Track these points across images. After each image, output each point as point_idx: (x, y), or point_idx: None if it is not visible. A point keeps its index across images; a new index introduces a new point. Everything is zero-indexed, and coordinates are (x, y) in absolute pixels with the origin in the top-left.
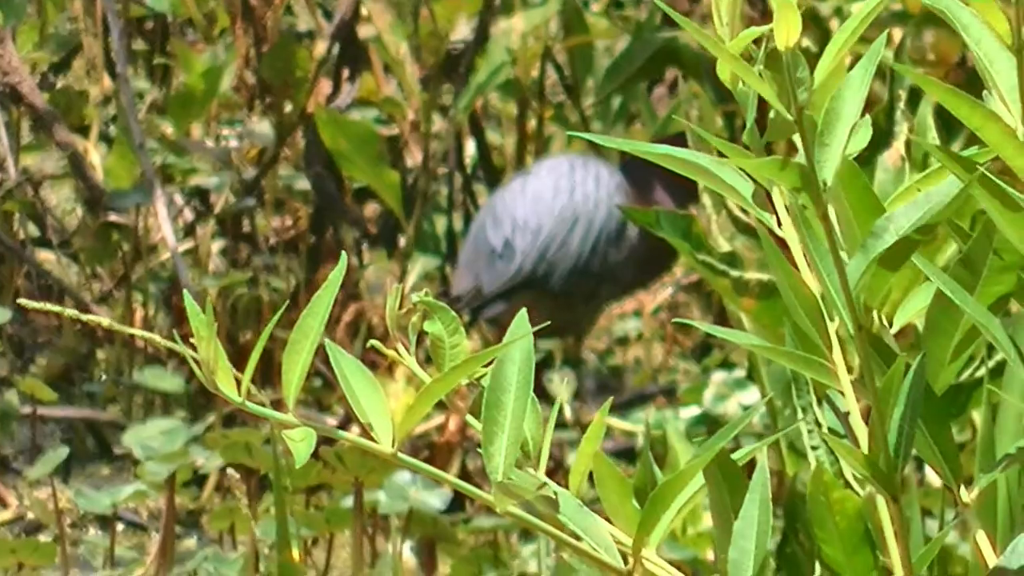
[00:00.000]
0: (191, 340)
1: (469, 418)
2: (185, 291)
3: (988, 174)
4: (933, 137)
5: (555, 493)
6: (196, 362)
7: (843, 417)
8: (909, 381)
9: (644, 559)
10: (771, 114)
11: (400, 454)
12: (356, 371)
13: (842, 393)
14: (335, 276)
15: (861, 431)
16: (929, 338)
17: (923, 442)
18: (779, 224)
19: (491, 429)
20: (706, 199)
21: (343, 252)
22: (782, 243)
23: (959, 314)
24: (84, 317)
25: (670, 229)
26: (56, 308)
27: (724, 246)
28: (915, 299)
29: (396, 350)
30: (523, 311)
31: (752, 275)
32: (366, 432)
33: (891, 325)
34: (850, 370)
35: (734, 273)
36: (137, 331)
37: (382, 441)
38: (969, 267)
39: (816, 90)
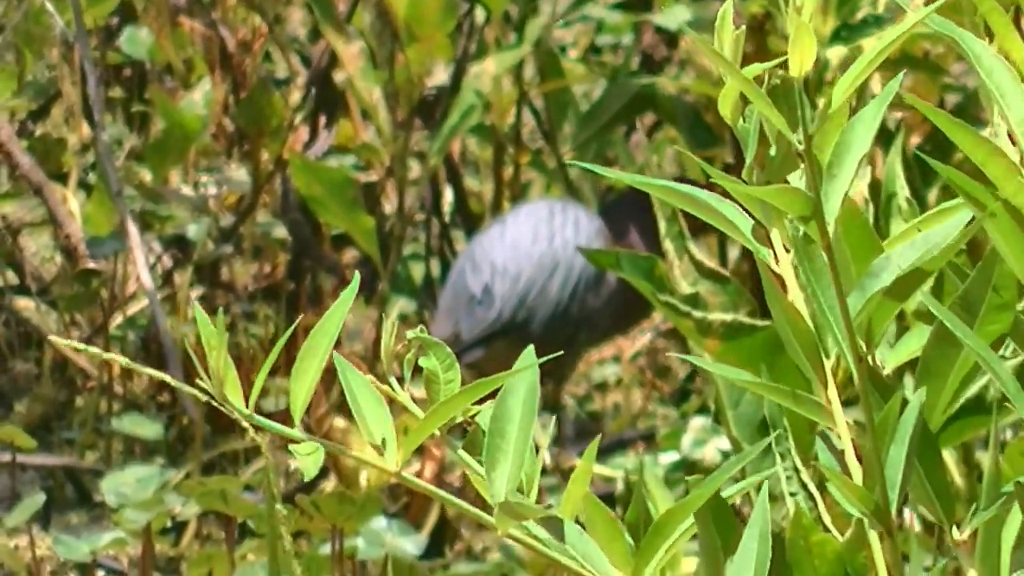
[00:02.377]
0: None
1: (462, 454)
2: (195, 303)
3: (1003, 209)
4: (902, 184)
5: (558, 518)
6: (200, 389)
7: (838, 454)
8: (907, 417)
9: None
10: (771, 151)
11: (403, 473)
12: (364, 389)
13: (834, 430)
14: (347, 294)
15: (855, 469)
16: (925, 377)
17: (917, 480)
18: (776, 260)
19: (494, 456)
20: (668, 245)
21: (326, 296)
22: (778, 280)
23: (956, 354)
24: (91, 350)
25: (632, 271)
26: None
27: (687, 290)
28: (910, 340)
29: (390, 385)
30: (530, 349)
31: (716, 316)
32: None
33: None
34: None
35: (697, 314)
36: (135, 365)
37: (388, 458)
38: (967, 306)
39: (826, 122)
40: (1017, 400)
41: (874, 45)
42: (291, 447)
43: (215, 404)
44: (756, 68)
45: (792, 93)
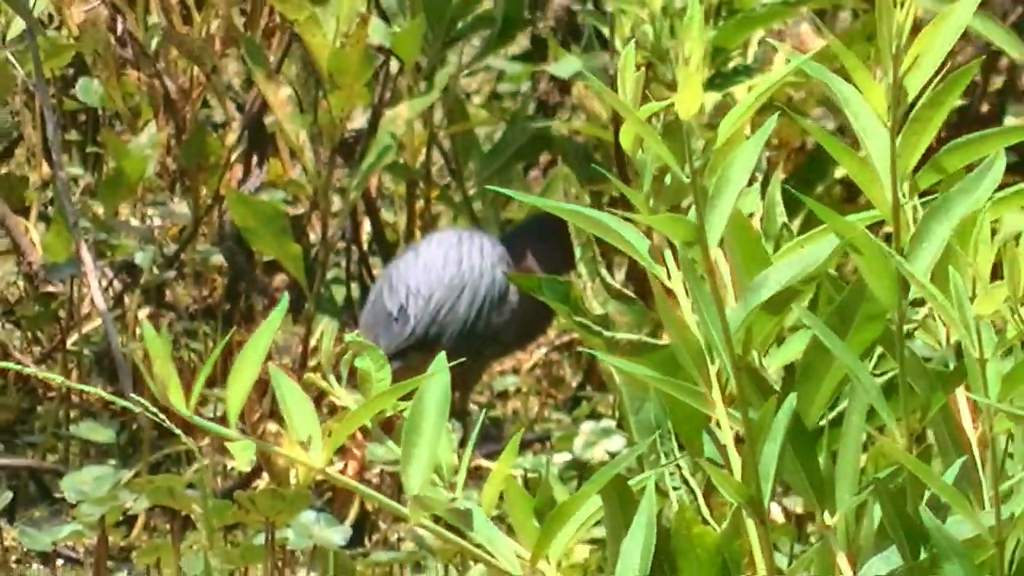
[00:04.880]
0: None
1: (388, 445)
2: (145, 320)
3: (868, 233)
4: (781, 211)
5: (466, 508)
6: (138, 402)
7: (722, 449)
8: (780, 417)
9: (539, 570)
10: (667, 179)
11: (327, 469)
12: (293, 392)
13: (720, 426)
14: (276, 314)
15: (736, 463)
16: (803, 379)
17: (794, 471)
18: (669, 277)
19: (409, 451)
20: (582, 268)
21: (256, 316)
22: (671, 293)
23: (831, 359)
24: (38, 373)
25: (551, 294)
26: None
27: (598, 309)
28: (791, 345)
29: (328, 381)
30: (441, 355)
31: (622, 336)
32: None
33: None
34: (728, 403)
35: (607, 334)
36: (81, 386)
37: (314, 456)
38: (842, 315)
39: (711, 157)
40: (879, 405)
41: (755, 90)
42: (227, 444)
43: (158, 412)
44: (650, 108)
45: (680, 132)
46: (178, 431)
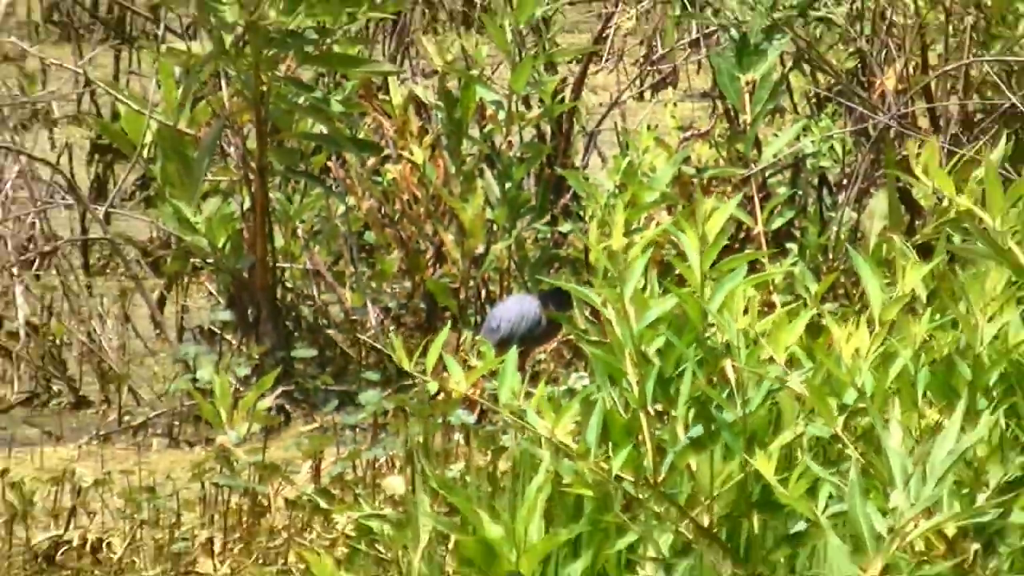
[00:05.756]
0: None
1: (493, 382)
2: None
3: None
4: None
5: (524, 409)
6: None
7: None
8: None
9: (555, 434)
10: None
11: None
12: (452, 362)
13: None
14: (444, 331)
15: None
16: None
17: None
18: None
19: (502, 383)
20: (575, 310)
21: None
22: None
23: None
24: None
25: (562, 320)
26: None
27: (582, 326)
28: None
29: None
30: (513, 349)
31: (593, 338)
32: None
33: None
34: None
35: (585, 336)
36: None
37: (462, 384)
38: None
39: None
40: None
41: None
42: (427, 381)
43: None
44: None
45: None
46: (421, 375)
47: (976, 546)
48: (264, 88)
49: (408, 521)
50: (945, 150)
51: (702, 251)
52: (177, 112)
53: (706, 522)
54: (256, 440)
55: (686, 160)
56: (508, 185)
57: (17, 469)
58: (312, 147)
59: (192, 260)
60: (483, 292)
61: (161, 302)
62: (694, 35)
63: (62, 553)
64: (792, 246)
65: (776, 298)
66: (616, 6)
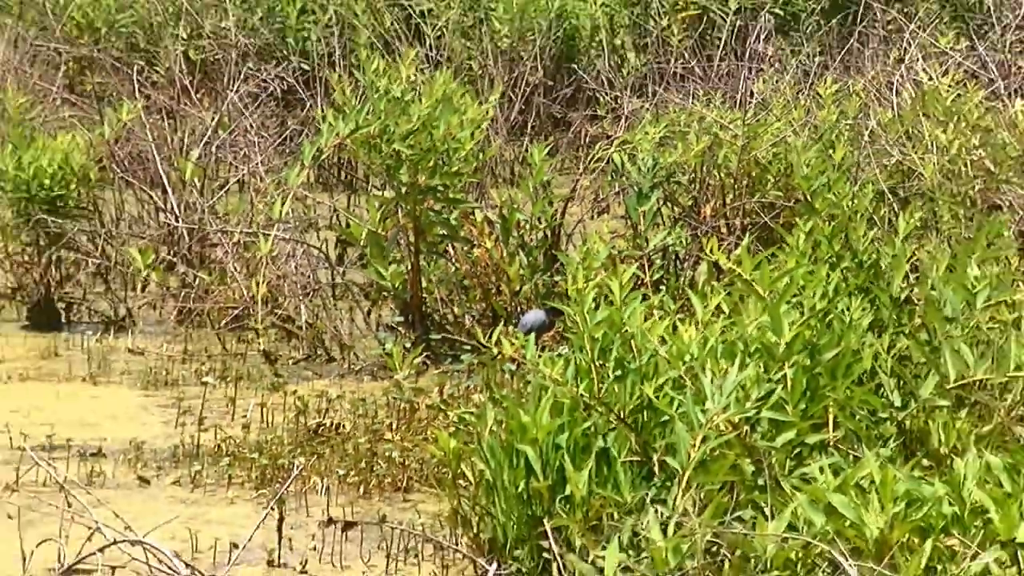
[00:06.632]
0: None
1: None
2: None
3: None
4: None
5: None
6: None
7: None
8: None
9: (555, 378)
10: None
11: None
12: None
13: None
14: (497, 333)
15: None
16: None
17: None
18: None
19: (529, 351)
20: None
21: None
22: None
23: None
24: None
25: (558, 321)
26: None
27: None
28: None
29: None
30: (531, 336)
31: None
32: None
33: None
34: None
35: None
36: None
37: (508, 350)
38: None
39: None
40: None
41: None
42: (483, 344)
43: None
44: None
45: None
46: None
47: (747, 427)
48: (419, 213)
49: (483, 414)
50: (733, 243)
51: (620, 289)
52: (377, 223)
53: (623, 415)
54: (413, 378)
55: (613, 247)
56: (530, 258)
57: (299, 390)
58: (440, 240)
59: (382, 292)
60: (519, 308)
61: (368, 313)
62: (617, 188)
63: (321, 430)
64: (663, 287)
65: (655, 312)
66: (580, 175)
